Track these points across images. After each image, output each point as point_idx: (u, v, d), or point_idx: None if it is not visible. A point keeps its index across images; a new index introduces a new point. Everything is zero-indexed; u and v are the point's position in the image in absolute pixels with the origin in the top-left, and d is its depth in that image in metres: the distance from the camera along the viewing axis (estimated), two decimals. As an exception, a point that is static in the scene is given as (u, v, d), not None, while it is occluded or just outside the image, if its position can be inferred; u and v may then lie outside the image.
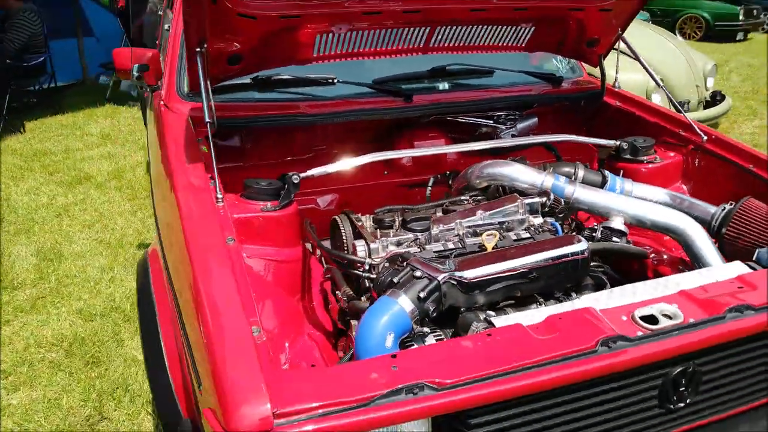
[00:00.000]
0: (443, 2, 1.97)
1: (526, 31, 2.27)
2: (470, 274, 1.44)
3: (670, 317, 1.31)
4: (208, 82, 1.83)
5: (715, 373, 1.36)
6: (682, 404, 1.34)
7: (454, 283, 1.43)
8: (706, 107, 5.54)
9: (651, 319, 1.30)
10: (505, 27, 2.21)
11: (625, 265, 2.05)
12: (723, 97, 5.78)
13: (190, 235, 1.46)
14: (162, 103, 2.27)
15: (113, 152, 5.50)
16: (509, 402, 1.17)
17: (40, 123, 6.44)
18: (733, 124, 6.37)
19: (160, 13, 5.12)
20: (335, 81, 2.28)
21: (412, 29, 2.08)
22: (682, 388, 1.32)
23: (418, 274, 1.42)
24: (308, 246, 1.92)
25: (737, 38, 12.66)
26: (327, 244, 2.07)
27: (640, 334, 1.25)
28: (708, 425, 1.41)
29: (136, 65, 2.40)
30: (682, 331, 1.28)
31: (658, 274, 2.05)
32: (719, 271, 1.57)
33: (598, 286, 1.72)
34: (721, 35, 12.50)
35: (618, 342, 1.22)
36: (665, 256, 2.07)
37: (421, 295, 1.38)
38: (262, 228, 1.67)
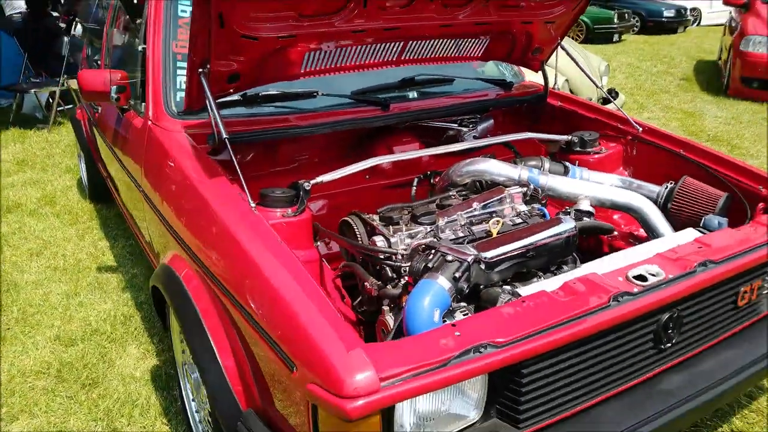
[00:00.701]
0: (419, 20, 2.20)
1: (483, 43, 2.55)
2: (490, 254, 1.68)
3: (654, 275, 1.61)
4: (213, 100, 1.95)
5: (691, 316, 1.69)
6: (669, 344, 1.65)
7: (479, 263, 1.66)
8: (603, 104, 6.19)
9: (641, 278, 1.60)
10: (465, 40, 2.48)
11: (583, 242, 2.37)
12: (617, 94, 6.48)
13: (249, 243, 1.59)
14: (150, 123, 2.33)
15: (36, 178, 5.25)
16: (549, 353, 1.42)
17: (-62, 152, 6.00)
18: (626, 117, 7.09)
19: (79, 35, 5.00)
20: (318, 94, 2.45)
21: (388, 44, 2.30)
22: (670, 330, 1.63)
23: (449, 258, 1.63)
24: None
25: (614, 40, 13.94)
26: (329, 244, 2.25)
27: (636, 290, 1.54)
28: (687, 360, 1.73)
29: (115, 87, 2.43)
30: (667, 284, 1.58)
31: (612, 248, 2.41)
32: (678, 237, 1.92)
33: (574, 259, 2.02)
34: (600, 37, 13.71)
35: (624, 297, 1.51)
36: (616, 232, 2.42)
37: (456, 275, 1.59)
38: (285, 233, 1.82)
